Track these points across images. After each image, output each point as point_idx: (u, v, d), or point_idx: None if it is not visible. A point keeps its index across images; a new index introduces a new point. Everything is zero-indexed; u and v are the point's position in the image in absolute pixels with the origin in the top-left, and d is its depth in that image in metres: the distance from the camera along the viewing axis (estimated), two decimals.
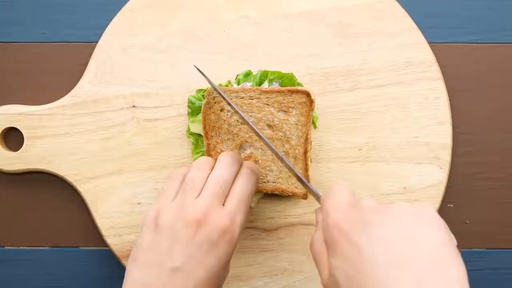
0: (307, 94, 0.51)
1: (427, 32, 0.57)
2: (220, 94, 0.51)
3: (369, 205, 0.39)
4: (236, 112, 0.50)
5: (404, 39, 0.56)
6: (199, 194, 0.45)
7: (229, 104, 0.50)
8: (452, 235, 0.38)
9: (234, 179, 0.47)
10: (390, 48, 0.56)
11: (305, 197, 0.53)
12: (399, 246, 0.35)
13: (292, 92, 0.51)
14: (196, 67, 0.51)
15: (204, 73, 0.51)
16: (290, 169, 0.47)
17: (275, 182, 0.53)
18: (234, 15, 0.57)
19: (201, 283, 0.42)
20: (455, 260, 0.36)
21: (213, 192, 0.45)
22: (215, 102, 0.52)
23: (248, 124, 0.49)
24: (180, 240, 0.43)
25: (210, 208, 0.44)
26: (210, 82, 0.51)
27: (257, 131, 0.49)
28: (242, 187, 0.46)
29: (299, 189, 0.53)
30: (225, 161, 0.47)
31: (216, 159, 0.48)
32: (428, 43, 0.57)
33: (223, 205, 0.45)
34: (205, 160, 0.47)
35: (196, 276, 0.42)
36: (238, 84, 0.55)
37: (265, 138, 0.48)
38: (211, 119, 0.52)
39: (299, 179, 0.47)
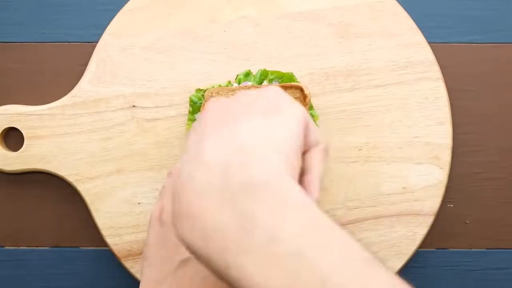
0: (301, 89, 0.51)
1: (427, 32, 0.57)
2: None
3: (212, 100, 0.35)
4: None
5: (404, 39, 0.56)
6: None
7: None
8: (290, 109, 0.32)
9: None
10: (390, 48, 0.56)
11: None
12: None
13: (286, 88, 0.51)
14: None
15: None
16: None
17: None
18: (234, 15, 0.57)
19: None
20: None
21: None
22: None
23: None
24: None
25: None
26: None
27: None
28: None
29: None
30: None
31: None
32: (428, 43, 0.57)
33: None
34: None
35: None
36: (239, 84, 0.55)
37: None
38: None
39: None
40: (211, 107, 0.34)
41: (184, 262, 0.43)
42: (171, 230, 0.44)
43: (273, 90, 0.33)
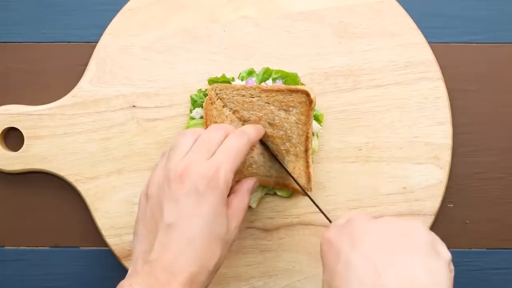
0: (307, 94, 0.50)
1: (427, 32, 0.57)
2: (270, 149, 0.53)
3: (358, 219, 0.42)
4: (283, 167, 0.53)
5: (404, 39, 0.56)
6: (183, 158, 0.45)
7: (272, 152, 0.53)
8: (446, 254, 0.41)
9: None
10: (390, 48, 0.56)
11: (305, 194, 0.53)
12: (375, 253, 0.39)
13: (292, 91, 0.51)
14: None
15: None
16: (309, 198, 0.51)
17: (278, 177, 0.53)
18: (234, 15, 0.57)
19: (201, 233, 0.43)
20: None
21: (197, 149, 0.45)
22: (217, 99, 0.52)
23: (280, 164, 0.53)
24: (169, 198, 0.43)
25: (193, 162, 0.44)
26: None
27: (286, 170, 0.52)
28: (230, 143, 0.46)
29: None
30: (213, 126, 0.48)
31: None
32: (428, 43, 0.57)
33: None
34: (188, 130, 0.48)
35: (193, 226, 0.43)
36: (242, 80, 0.55)
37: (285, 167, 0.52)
38: (213, 114, 0.52)
39: (312, 201, 0.51)
40: (363, 226, 0.42)
41: (170, 226, 0.42)
42: (156, 201, 0.44)
43: (425, 229, 0.42)
